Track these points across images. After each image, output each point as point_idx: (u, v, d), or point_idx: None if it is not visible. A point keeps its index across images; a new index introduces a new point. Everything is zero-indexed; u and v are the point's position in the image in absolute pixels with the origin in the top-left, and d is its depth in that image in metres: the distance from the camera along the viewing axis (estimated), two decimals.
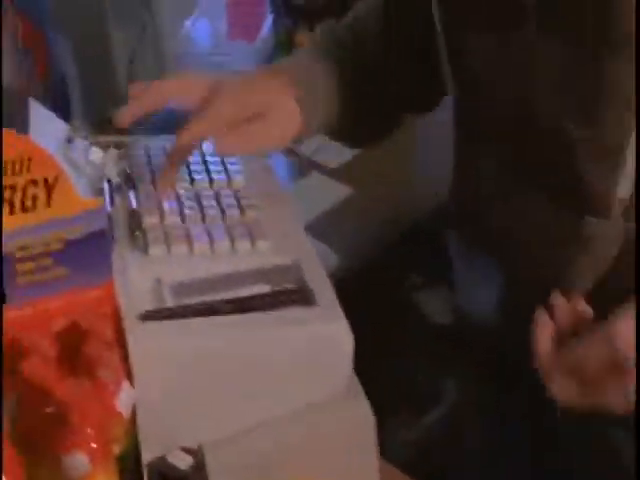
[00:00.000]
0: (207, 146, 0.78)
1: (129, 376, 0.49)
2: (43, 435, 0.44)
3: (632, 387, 0.52)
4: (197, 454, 0.53)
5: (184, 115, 1.32)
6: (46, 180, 0.50)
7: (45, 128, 0.70)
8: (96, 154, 0.72)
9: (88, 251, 0.51)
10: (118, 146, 0.76)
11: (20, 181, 0.49)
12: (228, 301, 0.58)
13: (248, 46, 1.44)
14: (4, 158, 0.49)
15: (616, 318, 0.54)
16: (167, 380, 0.52)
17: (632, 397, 0.52)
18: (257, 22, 1.49)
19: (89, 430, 0.43)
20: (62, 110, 1.08)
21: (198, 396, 0.53)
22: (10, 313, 0.49)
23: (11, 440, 0.44)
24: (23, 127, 0.67)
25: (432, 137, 1.23)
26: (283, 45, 1.40)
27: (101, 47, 1.32)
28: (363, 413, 0.57)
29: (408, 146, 1.20)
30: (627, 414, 0.54)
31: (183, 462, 0.51)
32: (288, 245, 0.65)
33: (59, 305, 0.50)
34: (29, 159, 0.50)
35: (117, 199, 0.69)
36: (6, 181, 0.49)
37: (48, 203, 0.50)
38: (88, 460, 0.43)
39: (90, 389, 0.45)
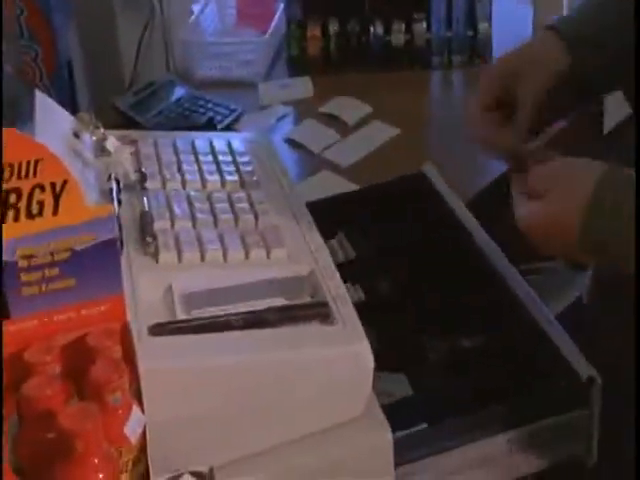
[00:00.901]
0: (219, 143, 0.75)
1: (139, 397, 0.46)
2: (45, 463, 0.41)
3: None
4: (207, 478, 0.50)
5: (194, 111, 1.28)
6: (54, 185, 0.47)
7: (51, 121, 0.66)
8: (113, 143, 0.68)
9: (97, 261, 0.48)
10: (124, 140, 0.73)
11: (26, 185, 0.46)
12: (242, 315, 0.55)
13: (259, 35, 1.40)
14: (10, 160, 0.46)
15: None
16: (177, 400, 0.49)
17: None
18: (267, 12, 1.45)
19: (96, 460, 0.41)
20: (68, 99, 1.05)
21: (210, 417, 0.50)
22: (13, 326, 0.46)
23: (11, 466, 0.41)
24: (29, 120, 0.63)
25: (447, 139, 1.20)
26: (294, 37, 1.36)
27: (108, 33, 1.28)
28: (382, 434, 0.54)
29: (422, 147, 1.17)
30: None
31: None
32: (304, 254, 0.61)
33: (65, 318, 0.47)
34: (36, 162, 0.46)
35: (125, 199, 0.66)
36: (10, 185, 0.46)
37: (55, 210, 0.47)
38: None
39: (97, 414, 0.42)
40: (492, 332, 0.62)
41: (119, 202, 0.64)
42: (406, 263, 0.70)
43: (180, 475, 0.49)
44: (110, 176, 0.66)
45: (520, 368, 0.59)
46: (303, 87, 1.28)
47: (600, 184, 0.55)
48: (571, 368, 0.58)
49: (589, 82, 0.67)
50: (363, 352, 0.53)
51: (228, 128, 1.19)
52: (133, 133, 0.76)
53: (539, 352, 0.60)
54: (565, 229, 0.56)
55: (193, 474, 0.49)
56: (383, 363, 0.61)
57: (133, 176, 0.68)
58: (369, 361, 0.53)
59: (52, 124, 0.66)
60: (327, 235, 0.73)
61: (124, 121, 1.19)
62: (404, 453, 0.55)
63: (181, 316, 0.55)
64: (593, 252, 0.56)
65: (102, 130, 0.70)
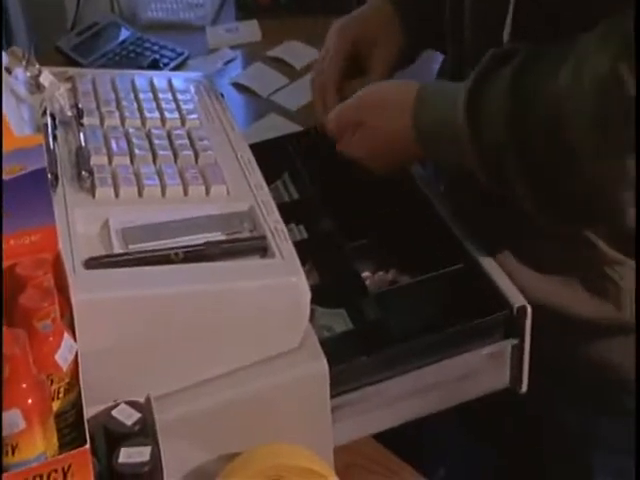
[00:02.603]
0: (159, 81, 0.73)
1: (72, 327, 0.46)
2: None
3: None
4: (144, 409, 0.50)
5: (139, 53, 1.25)
6: None
7: None
8: (47, 78, 0.67)
9: (25, 192, 0.47)
10: (60, 76, 0.71)
11: None
12: (180, 249, 0.55)
13: None
14: None
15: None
16: (113, 331, 0.49)
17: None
18: None
19: (24, 385, 0.40)
20: (6, 37, 1.01)
21: (147, 348, 0.51)
22: None
23: None
24: None
25: None
26: None
27: None
28: (317, 365, 0.55)
29: None
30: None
31: (129, 417, 0.48)
32: (244, 191, 0.61)
33: None
34: None
35: (61, 135, 0.64)
36: None
37: None
38: (23, 417, 0.41)
39: (25, 340, 0.42)
40: (430, 267, 0.63)
41: (54, 137, 0.63)
42: (349, 203, 0.70)
43: (116, 405, 0.49)
44: (45, 111, 0.64)
45: (455, 300, 0.61)
46: (251, 31, 1.26)
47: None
48: (504, 298, 0.59)
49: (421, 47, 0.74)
50: (299, 283, 0.53)
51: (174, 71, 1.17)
52: (70, 70, 0.74)
53: (473, 284, 0.62)
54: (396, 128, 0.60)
55: (129, 404, 0.49)
56: (325, 299, 0.62)
57: (69, 112, 0.66)
58: (305, 292, 0.53)
59: None
60: (272, 176, 0.73)
61: (67, 63, 1.15)
62: (342, 384, 0.56)
63: (118, 250, 0.55)
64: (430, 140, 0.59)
65: (37, 66, 0.68)
